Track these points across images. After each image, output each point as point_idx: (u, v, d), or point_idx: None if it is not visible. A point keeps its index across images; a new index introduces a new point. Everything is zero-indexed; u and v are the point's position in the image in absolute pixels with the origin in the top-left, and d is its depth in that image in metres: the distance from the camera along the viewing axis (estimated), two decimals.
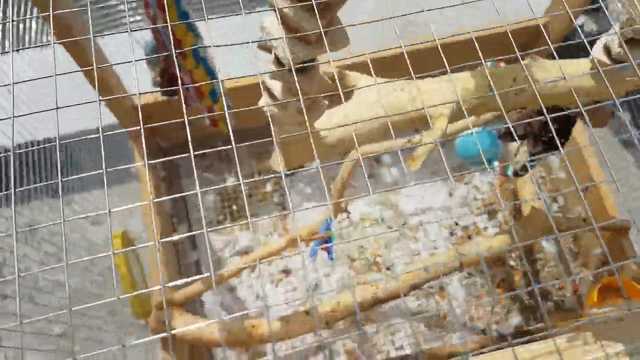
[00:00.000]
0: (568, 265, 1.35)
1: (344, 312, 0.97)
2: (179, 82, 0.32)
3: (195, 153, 0.29)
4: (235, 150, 0.29)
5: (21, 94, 1.16)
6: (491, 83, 0.39)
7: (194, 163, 0.29)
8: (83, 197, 1.38)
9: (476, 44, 0.38)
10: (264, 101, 0.64)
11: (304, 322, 0.98)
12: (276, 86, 0.58)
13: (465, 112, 0.35)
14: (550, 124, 0.37)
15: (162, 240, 0.29)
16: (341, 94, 0.42)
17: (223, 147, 0.31)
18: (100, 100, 0.32)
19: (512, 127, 0.93)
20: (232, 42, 0.41)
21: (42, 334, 1.24)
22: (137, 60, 0.32)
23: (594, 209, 1.30)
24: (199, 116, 0.31)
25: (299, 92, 0.38)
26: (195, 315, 1.09)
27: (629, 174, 1.51)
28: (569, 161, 1.40)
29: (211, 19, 0.35)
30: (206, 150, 0.30)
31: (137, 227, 1.36)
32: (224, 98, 0.31)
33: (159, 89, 0.90)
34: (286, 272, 1.28)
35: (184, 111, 0.31)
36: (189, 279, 0.30)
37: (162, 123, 0.32)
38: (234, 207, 1.35)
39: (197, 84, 0.33)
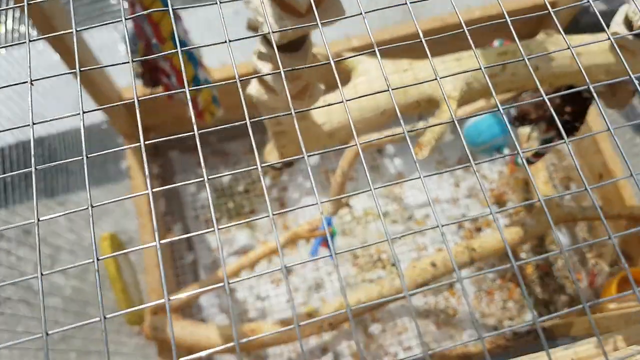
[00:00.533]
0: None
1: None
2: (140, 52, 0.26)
3: (146, 142, 0.23)
4: (197, 138, 0.24)
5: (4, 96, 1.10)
6: (527, 55, 0.33)
7: (144, 153, 0.23)
8: (79, 197, 1.33)
9: (507, 15, 0.32)
10: (253, 87, 0.58)
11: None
12: (265, 69, 0.52)
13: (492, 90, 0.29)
14: (594, 99, 0.30)
15: (101, 258, 0.24)
16: (336, 76, 0.35)
17: (183, 134, 0.25)
18: (31, 81, 0.26)
19: (524, 110, 0.86)
20: (215, 30, 0.35)
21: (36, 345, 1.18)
22: (77, 30, 0.27)
23: (610, 197, 1.24)
24: (154, 95, 0.25)
25: (282, 71, 0.32)
26: (193, 320, 1.04)
27: None
28: (582, 147, 1.33)
29: None
30: (157, 139, 0.24)
31: (131, 227, 1.30)
32: (180, 67, 0.25)
33: (140, 80, 0.84)
34: (287, 271, 1.23)
35: (135, 92, 0.25)
36: (135, 308, 0.24)
37: (111, 105, 0.26)
38: (231, 205, 1.29)
39: (162, 56, 0.27)
